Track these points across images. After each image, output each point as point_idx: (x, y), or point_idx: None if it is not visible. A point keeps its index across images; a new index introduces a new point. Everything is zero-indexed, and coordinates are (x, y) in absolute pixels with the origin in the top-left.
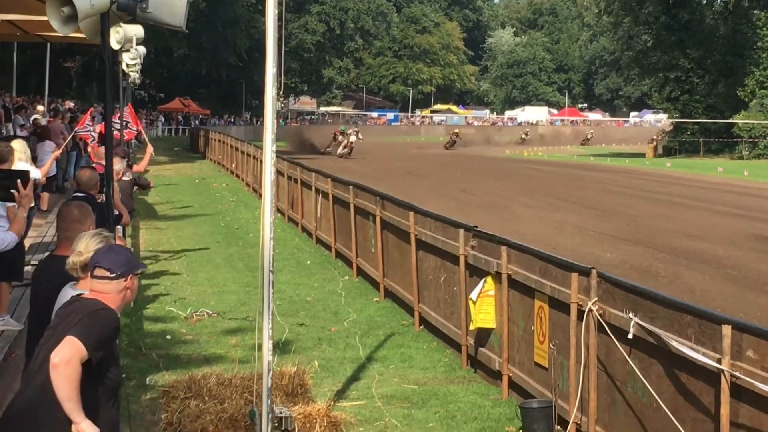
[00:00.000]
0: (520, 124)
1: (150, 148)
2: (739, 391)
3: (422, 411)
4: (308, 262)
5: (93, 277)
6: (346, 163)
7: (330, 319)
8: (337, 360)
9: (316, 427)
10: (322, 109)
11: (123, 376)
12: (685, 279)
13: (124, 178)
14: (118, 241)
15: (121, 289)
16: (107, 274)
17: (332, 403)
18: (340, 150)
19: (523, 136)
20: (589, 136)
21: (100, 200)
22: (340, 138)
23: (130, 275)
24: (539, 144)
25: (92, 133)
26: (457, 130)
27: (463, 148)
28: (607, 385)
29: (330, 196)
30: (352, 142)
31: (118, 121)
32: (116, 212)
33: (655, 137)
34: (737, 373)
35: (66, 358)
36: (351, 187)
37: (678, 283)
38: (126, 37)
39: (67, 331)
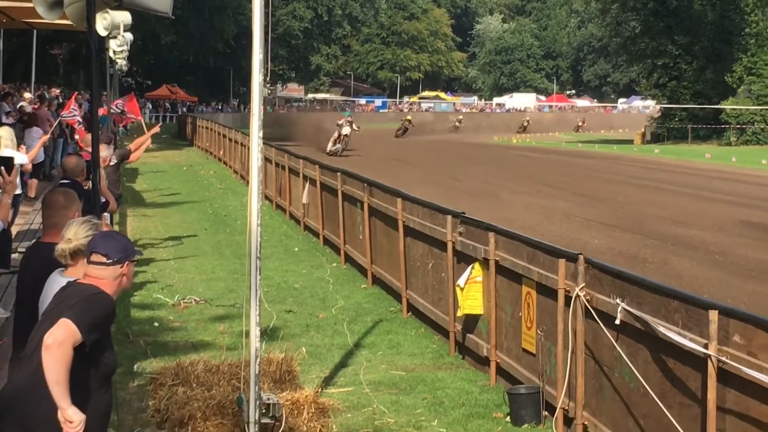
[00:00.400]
0: (508, 110)
1: (148, 143)
2: (726, 376)
3: (410, 397)
4: (296, 249)
5: (89, 262)
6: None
7: (318, 306)
8: (324, 346)
9: (303, 414)
10: (310, 95)
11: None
12: (673, 265)
13: (110, 164)
14: (105, 229)
15: (117, 275)
16: (104, 260)
17: (320, 389)
18: (330, 146)
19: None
20: (525, 124)
21: (86, 187)
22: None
23: (127, 261)
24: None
25: (78, 117)
26: (409, 117)
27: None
28: (595, 370)
29: (318, 183)
30: (345, 135)
31: (117, 108)
32: (103, 199)
33: (526, 122)
34: (724, 358)
35: (59, 340)
36: (339, 173)
37: (666, 269)
38: (113, 24)
39: (62, 315)
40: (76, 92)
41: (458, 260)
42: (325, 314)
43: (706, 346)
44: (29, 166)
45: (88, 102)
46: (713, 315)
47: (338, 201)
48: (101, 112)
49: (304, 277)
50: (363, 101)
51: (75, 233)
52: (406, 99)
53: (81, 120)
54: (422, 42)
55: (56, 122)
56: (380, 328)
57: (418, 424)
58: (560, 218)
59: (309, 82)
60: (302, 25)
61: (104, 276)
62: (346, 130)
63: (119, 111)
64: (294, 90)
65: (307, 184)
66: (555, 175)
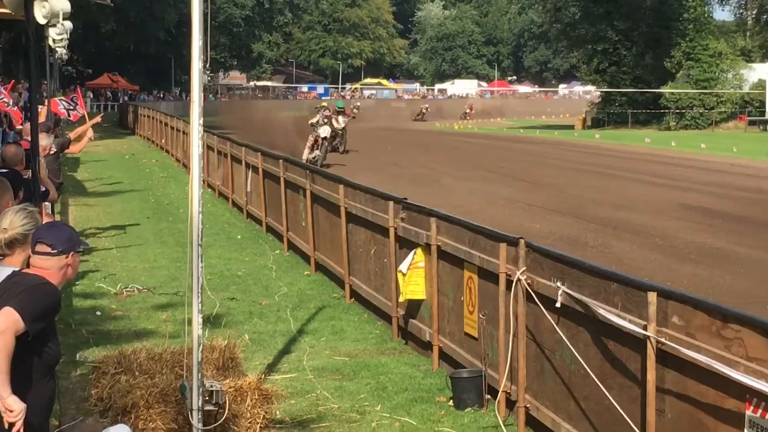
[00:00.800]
0: (450, 97)
1: (90, 133)
2: (665, 357)
3: (353, 383)
4: (239, 236)
5: (34, 252)
6: (273, 140)
7: (261, 293)
8: (268, 333)
9: (247, 400)
10: (253, 83)
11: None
12: (614, 249)
13: (50, 153)
14: (45, 218)
15: (63, 266)
16: (49, 250)
17: (263, 376)
18: (306, 155)
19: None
20: (423, 111)
21: (26, 176)
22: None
23: (72, 252)
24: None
25: (5, 99)
26: (324, 103)
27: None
28: (536, 353)
29: (260, 171)
30: (324, 138)
31: (70, 102)
32: (43, 188)
33: (425, 109)
34: (663, 339)
35: (1, 328)
36: (281, 161)
37: (606, 252)
38: (52, 12)
39: (7, 304)
40: (14, 81)
41: (400, 246)
42: (268, 301)
43: (645, 328)
44: None
45: (28, 91)
46: (652, 297)
47: (281, 188)
48: (61, 114)
49: (247, 265)
50: (305, 88)
51: (10, 222)
52: (348, 86)
53: (8, 101)
54: (364, 29)
55: None
56: (323, 314)
57: (362, 410)
58: (502, 203)
59: (251, 69)
60: (243, 12)
61: (49, 266)
62: (324, 131)
63: (73, 106)
64: (236, 78)
65: (249, 172)
66: (497, 160)
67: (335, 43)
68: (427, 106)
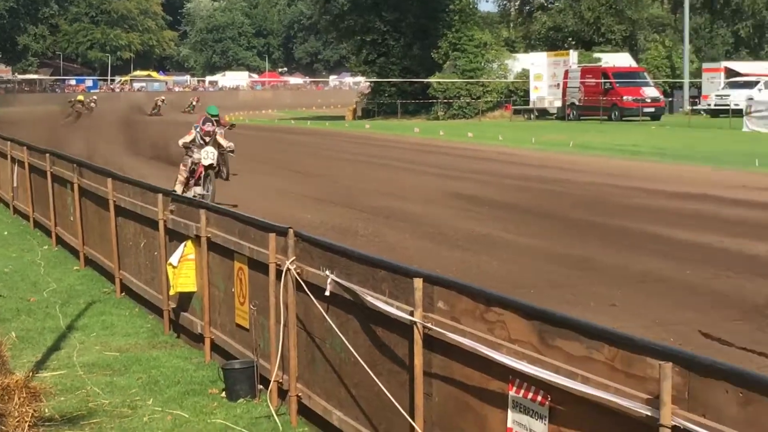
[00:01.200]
0: (221, 89)
1: None
2: (431, 342)
3: (124, 378)
4: (5, 232)
5: None
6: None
7: (29, 290)
8: (36, 330)
9: (14, 399)
10: (19, 77)
11: None
12: (385, 237)
13: None
14: None
15: None
16: None
17: (31, 373)
18: (180, 190)
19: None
20: (159, 104)
21: None
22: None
23: None
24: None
25: None
26: (80, 98)
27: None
28: (307, 342)
29: (26, 165)
30: (210, 167)
31: None
32: None
33: (159, 102)
34: (429, 325)
35: None
36: (47, 155)
37: (377, 241)
38: None
39: None
40: None
41: (170, 238)
42: (36, 298)
43: (411, 314)
44: None
45: None
46: (418, 283)
47: (48, 183)
48: None
49: (13, 261)
50: (73, 82)
51: None
52: (117, 79)
53: None
54: (132, 21)
55: None
56: (93, 309)
57: (133, 404)
58: (274, 195)
59: (17, 62)
60: (8, 4)
61: None
62: (207, 156)
63: None
64: (1, 71)
65: (15, 167)
66: (268, 152)
67: (103, 35)
68: (163, 98)
